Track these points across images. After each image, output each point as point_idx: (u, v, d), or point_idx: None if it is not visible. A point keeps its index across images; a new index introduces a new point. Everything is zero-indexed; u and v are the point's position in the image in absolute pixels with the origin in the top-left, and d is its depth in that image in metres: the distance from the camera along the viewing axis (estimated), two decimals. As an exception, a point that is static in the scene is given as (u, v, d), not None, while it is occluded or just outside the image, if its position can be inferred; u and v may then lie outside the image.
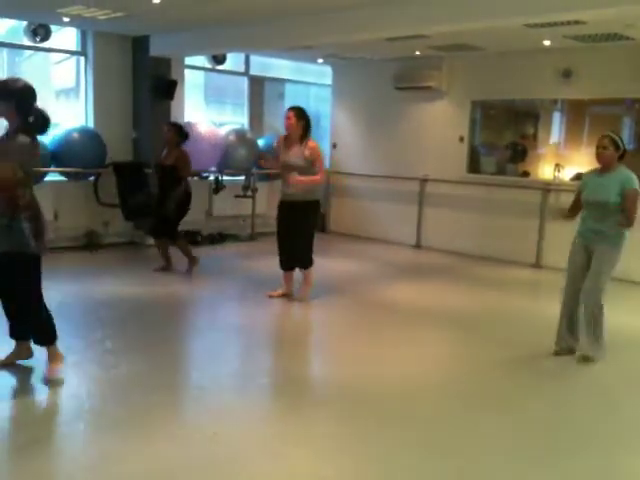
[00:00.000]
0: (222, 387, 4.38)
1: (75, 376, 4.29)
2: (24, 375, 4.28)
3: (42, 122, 4.02)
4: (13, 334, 4.29)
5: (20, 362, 4.34)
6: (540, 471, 3.35)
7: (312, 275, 6.38)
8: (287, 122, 6.14)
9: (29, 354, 4.35)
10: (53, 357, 4.17)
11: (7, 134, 3.91)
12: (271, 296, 6.40)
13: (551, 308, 6.70)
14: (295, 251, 6.25)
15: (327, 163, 11.45)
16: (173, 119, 9.47)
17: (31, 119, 3.94)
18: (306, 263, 6.32)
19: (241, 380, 4.53)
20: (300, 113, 6.16)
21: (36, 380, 4.21)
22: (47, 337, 4.16)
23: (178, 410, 3.94)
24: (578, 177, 8.73)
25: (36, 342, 4.24)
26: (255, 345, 5.27)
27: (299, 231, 6.20)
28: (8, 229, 3.83)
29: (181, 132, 7.45)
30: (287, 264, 6.35)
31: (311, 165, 6.08)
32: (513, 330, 5.91)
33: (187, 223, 9.50)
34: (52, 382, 4.07)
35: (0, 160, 3.78)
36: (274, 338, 5.40)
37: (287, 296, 6.41)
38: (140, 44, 9.21)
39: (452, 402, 4.20)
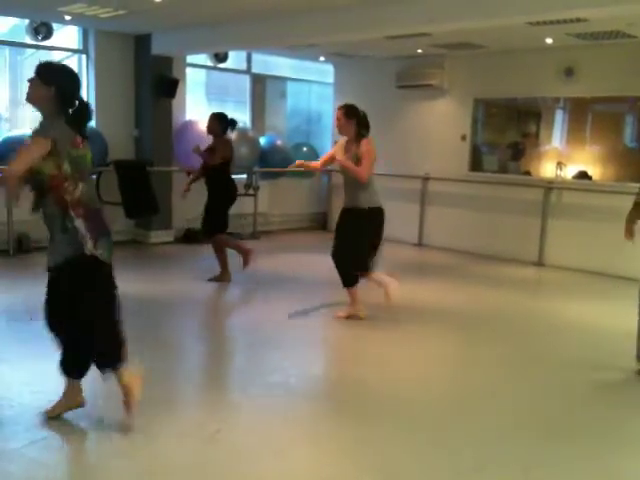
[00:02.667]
0: (225, 385, 4.38)
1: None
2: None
3: (84, 115, 3.47)
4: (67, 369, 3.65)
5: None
6: (538, 460, 3.35)
7: (353, 296, 5.77)
8: (337, 123, 5.65)
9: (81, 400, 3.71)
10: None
11: (42, 126, 3.37)
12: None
13: (554, 306, 6.72)
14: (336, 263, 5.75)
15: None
16: (175, 117, 9.51)
17: (71, 111, 3.42)
18: (343, 279, 5.74)
19: (244, 378, 4.53)
20: (349, 111, 5.61)
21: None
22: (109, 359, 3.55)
23: (181, 407, 3.94)
24: (580, 175, 8.75)
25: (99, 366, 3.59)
26: (257, 343, 5.27)
27: (339, 240, 5.74)
28: (62, 232, 3.34)
29: (222, 121, 6.95)
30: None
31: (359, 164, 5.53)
32: (518, 329, 5.91)
33: (189, 221, 9.56)
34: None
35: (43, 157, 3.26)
36: (277, 336, 5.39)
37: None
38: (142, 42, 9.22)
39: (456, 403, 4.20)
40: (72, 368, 3.63)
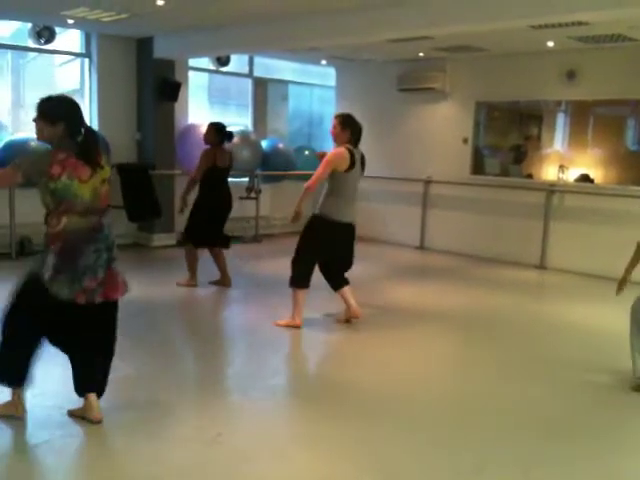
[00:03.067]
0: (226, 388, 4.39)
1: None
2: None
3: (91, 142, 3.49)
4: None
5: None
6: (538, 460, 3.35)
7: (295, 297, 5.70)
8: (332, 131, 5.55)
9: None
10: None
11: (22, 157, 3.53)
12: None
13: (556, 309, 6.71)
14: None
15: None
16: (177, 121, 9.52)
17: (79, 139, 3.45)
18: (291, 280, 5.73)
19: (245, 381, 4.53)
20: (345, 120, 5.51)
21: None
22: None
23: (182, 411, 3.95)
24: (582, 178, 8.75)
25: None
26: (258, 346, 5.27)
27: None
28: (41, 259, 3.46)
29: (219, 132, 6.89)
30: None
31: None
32: (519, 332, 5.91)
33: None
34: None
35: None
36: (278, 339, 5.39)
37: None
38: (144, 46, 9.24)
39: (456, 403, 4.20)
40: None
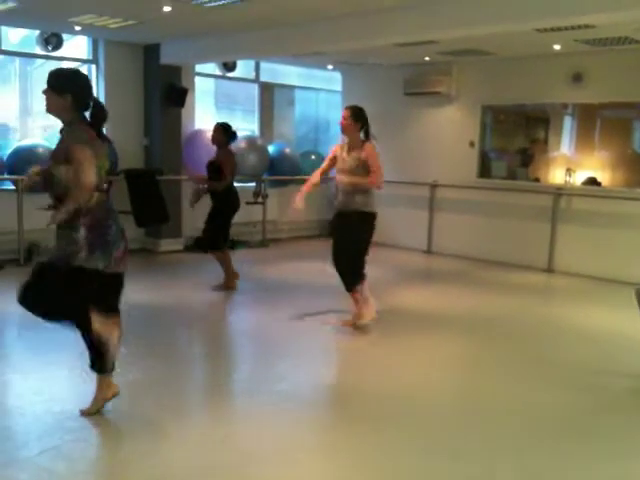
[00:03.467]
0: (233, 392, 4.39)
1: (88, 382, 4.31)
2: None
3: (100, 116, 3.55)
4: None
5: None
6: (549, 466, 3.34)
7: (359, 298, 5.67)
8: (343, 122, 5.50)
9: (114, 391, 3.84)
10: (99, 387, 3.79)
11: (75, 136, 3.44)
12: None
13: (564, 313, 6.69)
14: (338, 267, 5.65)
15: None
16: (184, 126, 9.56)
17: (89, 111, 3.51)
18: (347, 284, 5.66)
19: (252, 386, 4.53)
20: (358, 113, 5.51)
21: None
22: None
23: (190, 415, 3.95)
24: (590, 181, 8.73)
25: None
26: (265, 351, 5.28)
27: (344, 244, 5.62)
28: (61, 236, 3.47)
29: (227, 132, 6.98)
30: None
31: (367, 170, 5.48)
32: (528, 336, 5.89)
33: (199, 230, 9.57)
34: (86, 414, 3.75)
35: (59, 163, 3.40)
36: (286, 344, 5.39)
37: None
38: (151, 52, 9.28)
39: (466, 410, 4.19)
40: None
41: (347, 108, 5.58)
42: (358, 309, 5.72)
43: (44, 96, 3.49)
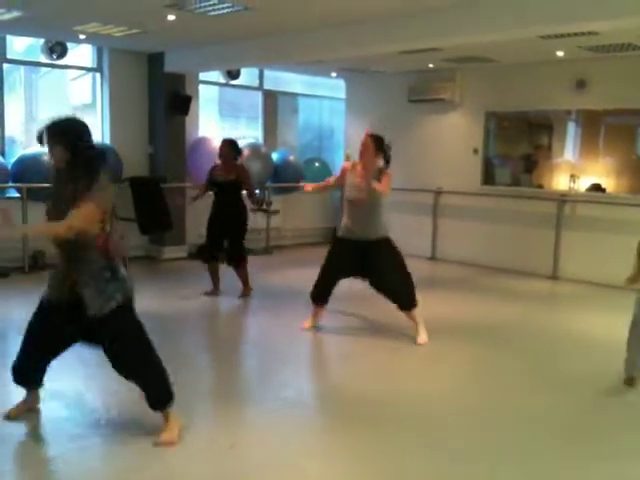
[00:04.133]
0: (239, 399, 4.38)
1: (91, 389, 4.31)
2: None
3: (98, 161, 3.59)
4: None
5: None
6: (557, 477, 3.33)
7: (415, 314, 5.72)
8: (363, 150, 5.37)
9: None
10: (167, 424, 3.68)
11: (90, 189, 3.43)
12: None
13: (569, 320, 6.67)
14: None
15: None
16: (188, 134, 9.58)
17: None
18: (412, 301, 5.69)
19: (257, 393, 4.53)
20: (380, 144, 5.44)
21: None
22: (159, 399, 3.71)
23: (195, 423, 3.94)
24: (594, 188, 8.72)
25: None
26: (270, 358, 5.27)
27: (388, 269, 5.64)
28: (105, 280, 3.51)
29: (235, 146, 7.11)
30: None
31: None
32: (533, 343, 5.87)
33: (202, 237, 9.57)
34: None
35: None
36: (290, 351, 5.39)
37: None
38: (155, 60, 9.32)
39: (471, 416, 4.18)
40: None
41: (370, 136, 5.44)
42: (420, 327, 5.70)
43: (50, 152, 3.48)
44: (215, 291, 7.27)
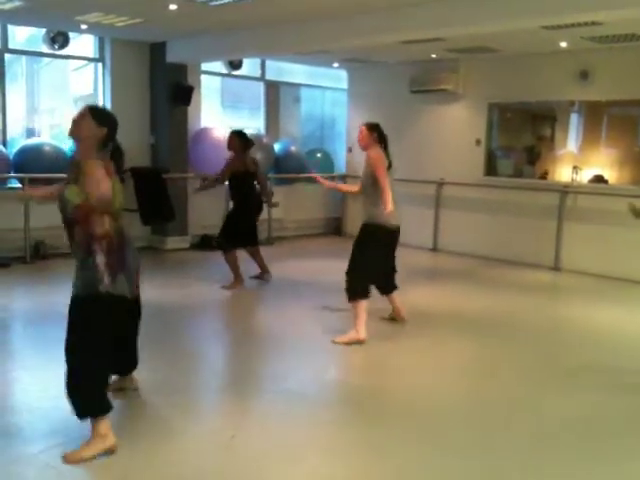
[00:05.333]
0: (240, 391, 4.39)
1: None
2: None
3: (120, 152, 3.65)
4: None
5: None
6: (555, 472, 3.33)
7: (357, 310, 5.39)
8: (362, 139, 5.36)
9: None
10: (92, 437, 3.36)
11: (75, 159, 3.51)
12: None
13: (572, 311, 6.67)
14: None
15: (343, 167, 11.52)
16: (190, 125, 9.56)
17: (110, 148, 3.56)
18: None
19: (259, 385, 4.54)
20: (371, 126, 5.41)
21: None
22: (83, 407, 3.40)
23: (197, 414, 3.96)
24: (596, 179, 8.70)
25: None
26: (271, 350, 5.28)
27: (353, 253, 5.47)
28: (82, 267, 3.38)
29: (242, 137, 7.11)
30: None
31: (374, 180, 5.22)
32: (535, 335, 5.87)
33: (205, 228, 9.60)
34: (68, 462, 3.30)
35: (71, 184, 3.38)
36: (292, 343, 5.39)
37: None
38: (157, 50, 9.29)
39: (472, 410, 4.18)
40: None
41: (367, 126, 5.41)
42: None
43: (78, 119, 3.45)
44: (242, 280, 7.27)
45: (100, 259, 3.34)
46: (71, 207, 3.36)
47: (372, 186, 5.26)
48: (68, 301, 3.41)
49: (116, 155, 3.59)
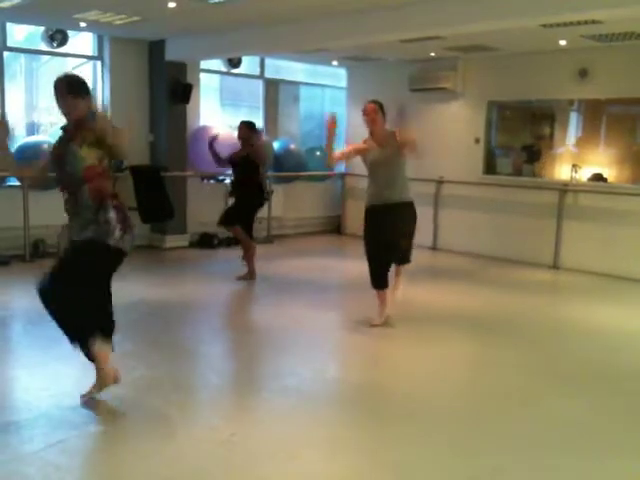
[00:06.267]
0: (240, 388, 4.39)
1: (94, 378, 4.31)
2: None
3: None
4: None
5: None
6: (555, 465, 3.33)
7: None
8: (369, 117, 5.47)
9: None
10: (97, 374, 3.83)
11: (67, 133, 3.70)
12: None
13: (571, 310, 6.68)
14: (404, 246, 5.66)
15: (342, 165, 11.50)
16: (189, 123, 9.56)
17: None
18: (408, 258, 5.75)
19: (259, 382, 4.54)
20: (382, 107, 5.56)
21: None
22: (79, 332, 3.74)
23: (196, 412, 3.96)
24: (596, 177, 8.70)
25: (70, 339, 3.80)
26: (271, 347, 5.28)
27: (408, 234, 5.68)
28: (94, 222, 3.60)
29: (252, 126, 7.49)
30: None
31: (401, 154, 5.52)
32: (534, 333, 5.87)
33: (204, 226, 9.60)
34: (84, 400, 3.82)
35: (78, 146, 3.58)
36: (291, 340, 5.40)
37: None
38: (156, 48, 9.28)
39: (473, 406, 4.18)
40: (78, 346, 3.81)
41: (374, 102, 5.54)
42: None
43: (66, 103, 3.62)
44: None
45: (112, 214, 3.60)
46: (82, 166, 3.56)
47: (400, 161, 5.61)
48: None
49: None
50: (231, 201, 7.67)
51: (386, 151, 5.49)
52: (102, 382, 3.84)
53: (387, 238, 5.47)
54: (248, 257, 7.41)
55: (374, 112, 5.49)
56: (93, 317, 3.74)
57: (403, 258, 5.71)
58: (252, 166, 7.30)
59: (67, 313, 3.66)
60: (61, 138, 3.75)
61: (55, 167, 3.71)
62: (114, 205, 3.64)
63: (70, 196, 3.65)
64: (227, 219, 7.44)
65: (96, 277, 3.71)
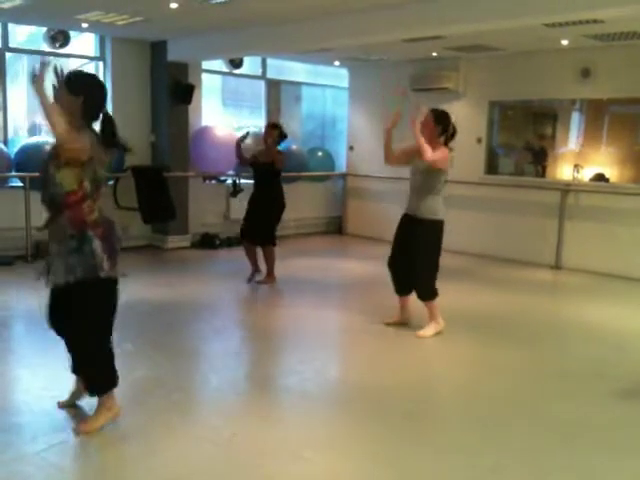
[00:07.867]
0: (241, 389, 4.39)
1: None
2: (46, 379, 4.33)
3: (108, 132, 3.41)
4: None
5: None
6: (557, 465, 3.33)
7: (434, 309, 5.65)
8: (422, 122, 5.55)
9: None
10: (100, 409, 3.59)
11: (52, 150, 3.37)
12: (388, 324, 5.78)
13: (572, 310, 6.67)
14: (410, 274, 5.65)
15: (344, 166, 11.52)
16: (191, 123, 9.57)
17: (96, 125, 3.39)
18: (423, 293, 5.66)
19: (260, 382, 4.54)
20: (439, 116, 5.64)
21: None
22: (99, 386, 3.59)
23: (197, 412, 3.96)
24: (598, 177, 8.69)
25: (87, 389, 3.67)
26: (273, 347, 5.28)
27: (416, 252, 5.73)
28: (78, 252, 3.32)
29: (284, 135, 7.39)
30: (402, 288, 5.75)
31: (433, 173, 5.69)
32: (536, 333, 5.87)
33: (205, 226, 9.61)
34: (83, 433, 3.52)
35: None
36: (291, 341, 5.40)
37: (404, 324, 5.79)
38: (158, 49, 9.29)
39: (474, 406, 4.18)
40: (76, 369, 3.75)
41: (433, 111, 5.60)
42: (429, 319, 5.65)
43: (54, 89, 3.31)
44: (253, 273, 7.33)
45: (97, 245, 3.32)
46: (63, 193, 3.26)
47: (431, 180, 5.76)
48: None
49: (105, 125, 3.38)
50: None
51: (418, 162, 5.60)
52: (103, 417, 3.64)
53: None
54: (270, 262, 7.28)
55: (427, 119, 5.57)
56: (113, 367, 3.62)
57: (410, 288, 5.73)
58: (275, 172, 7.15)
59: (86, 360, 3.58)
60: (48, 154, 3.44)
61: (40, 185, 3.45)
62: (98, 235, 3.34)
63: (52, 218, 3.37)
64: (252, 234, 7.23)
65: (107, 315, 3.55)
